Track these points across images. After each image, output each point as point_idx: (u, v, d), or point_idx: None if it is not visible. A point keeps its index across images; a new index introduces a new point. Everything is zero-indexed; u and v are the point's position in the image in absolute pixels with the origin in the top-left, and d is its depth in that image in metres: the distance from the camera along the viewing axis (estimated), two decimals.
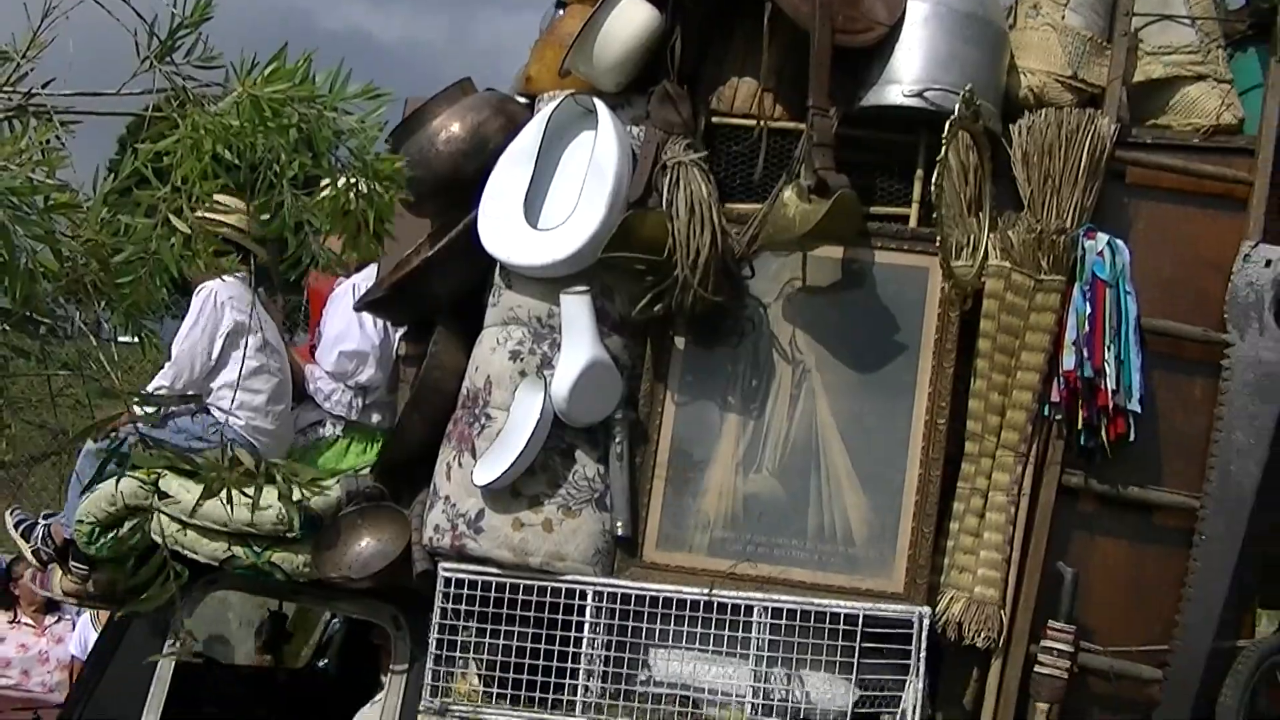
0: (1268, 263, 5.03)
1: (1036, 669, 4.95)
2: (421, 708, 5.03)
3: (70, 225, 2.82)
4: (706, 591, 4.89)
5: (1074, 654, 4.96)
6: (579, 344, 4.93)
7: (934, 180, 4.74)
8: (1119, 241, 5.02)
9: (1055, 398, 4.97)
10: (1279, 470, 5.37)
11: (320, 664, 6.94)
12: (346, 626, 6.97)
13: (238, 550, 5.26)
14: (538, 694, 4.91)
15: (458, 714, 5.00)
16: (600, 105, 5.10)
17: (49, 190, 2.75)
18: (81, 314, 3.13)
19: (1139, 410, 4.92)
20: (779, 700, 4.90)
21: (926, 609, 4.84)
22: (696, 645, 4.92)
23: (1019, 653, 4.98)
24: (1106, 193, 5.20)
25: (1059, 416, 4.99)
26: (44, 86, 2.92)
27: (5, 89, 2.93)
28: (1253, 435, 5.00)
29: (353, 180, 3.01)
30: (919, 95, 5.00)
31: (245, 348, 5.51)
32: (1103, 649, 5.03)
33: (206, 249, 3.00)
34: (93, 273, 2.87)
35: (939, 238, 4.81)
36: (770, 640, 4.89)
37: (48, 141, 2.84)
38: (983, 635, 4.94)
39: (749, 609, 4.87)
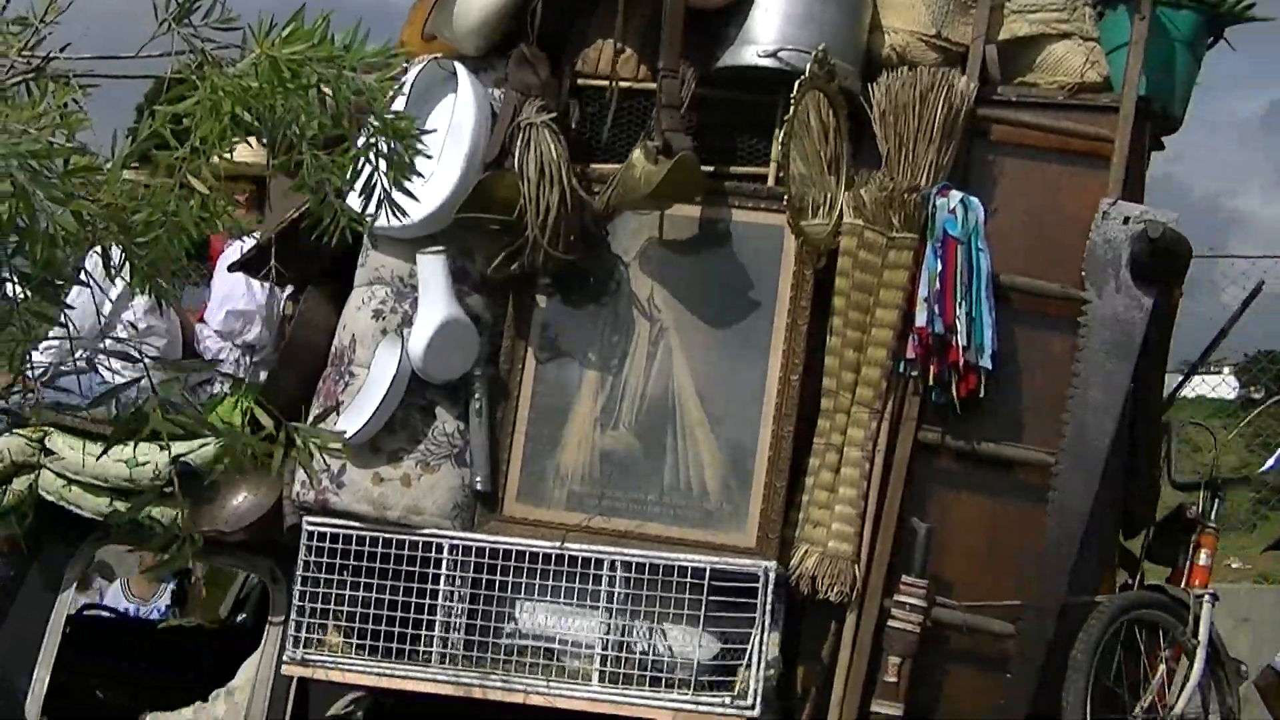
0: (1126, 220, 5.14)
1: (889, 623, 5.09)
2: (285, 658, 5.24)
3: (89, 189, 2.88)
4: (558, 545, 5.06)
5: (927, 608, 5.10)
6: (434, 303, 5.10)
7: (780, 139, 4.89)
8: (973, 199, 5.14)
9: (911, 354, 5.11)
10: (1139, 429, 5.55)
11: (239, 619, 7.15)
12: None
13: (119, 505, 5.47)
14: (395, 645, 5.10)
15: (319, 665, 5.20)
16: (460, 68, 5.25)
17: (67, 153, 2.81)
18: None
19: (990, 367, 5.05)
20: (639, 653, 5.07)
21: (773, 563, 4.98)
22: (560, 599, 5.10)
23: (873, 607, 5.12)
24: (973, 151, 5.32)
25: (914, 373, 5.13)
26: (61, 50, 2.99)
27: (23, 53, 2.99)
28: (1108, 392, 5.12)
29: (372, 140, 3.08)
30: (773, 55, 5.14)
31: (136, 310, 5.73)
32: (959, 604, 5.18)
33: (225, 209, 3.07)
34: (112, 235, 2.94)
35: (786, 196, 4.96)
36: (631, 594, 5.06)
37: (66, 105, 2.90)
38: (836, 589, 5.08)
39: (600, 562, 5.04)
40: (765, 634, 4.94)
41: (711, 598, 4.97)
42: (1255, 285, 6.33)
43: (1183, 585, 5.38)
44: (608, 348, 5.26)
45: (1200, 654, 5.22)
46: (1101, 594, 5.20)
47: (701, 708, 4.91)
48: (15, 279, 2.93)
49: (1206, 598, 5.32)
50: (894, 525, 5.14)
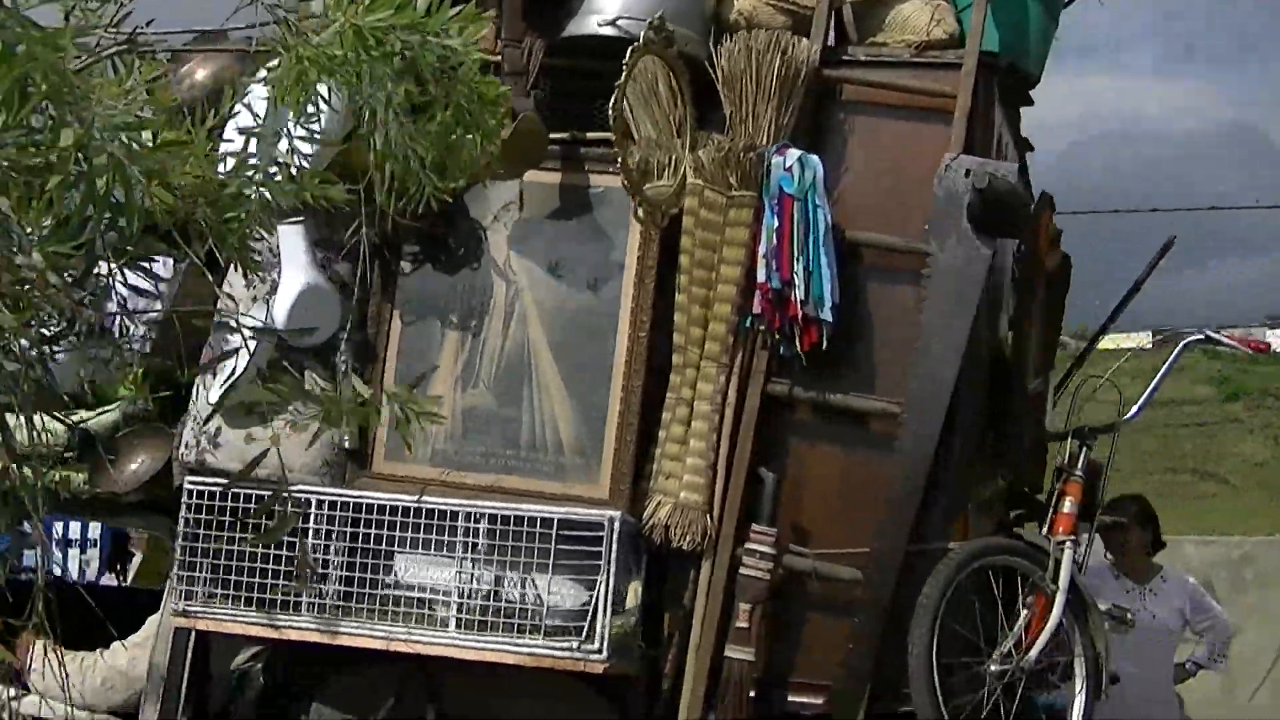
0: (967, 172, 5.36)
1: (741, 571, 5.37)
2: (170, 610, 5.63)
3: (178, 163, 2.88)
4: (416, 499, 5.39)
5: (776, 556, 5.37)
6: (294, 270, 5.46)
7: (612, 104, 5.18)
8: (812, 156, 5.39)
9: (757, 309, 5.38)
10: (1015, 382, 5.77)
11: None
12: None
13: (25, 470, 5.88)
14: (269, 596, 5.46)
15: (201, 617, 5.57)
16: None
17: (157, 127, 2.83)
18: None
19: (830, 319, 5.29)
20: (496, 601, 5.37)
21: (617, 513, 5.26)
22: (422, 551, 5.42)
23: (725, 555, 5.40)
24: (824, 111, 5.58)
25: (761, 328, 5.40)
26: (147, 25, 3.02)
27: (110, 29, 2.99)
28: (948, 343, 5.34)
29: (460, 105, 3.10)
30: (612, 24, 5.45)
31: None
32: (810, 552, 5.44)
33: (313, 181, 3.12)
34: (201, 209, 2.96)
35: (620, 160, 5.26)
36: (487, 544, 5.36)
37: (153, 80, 2.90)
38: (688, 538, 5.36)
39: (455, 514, 5.36)
40: (611, 581, 5.21)
41: (576, 548, 5.27)
42: (1167, 240, 6.52)
43: (1044, 532, 5.60)
44: (467, 310, 5.59)
45: (1059, 600, 5.43)
46: (954, 542, 5.43)
47: (553, 652, 5.21)
48: (109, 255, 2.91)
49: (1067, 544, 5.51)
50: (744, 476, 5.41)
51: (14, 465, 5.76)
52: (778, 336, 5.33)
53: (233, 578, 5.47)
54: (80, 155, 2.65)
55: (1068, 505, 5.62)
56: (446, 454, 5.53)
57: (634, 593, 5.41)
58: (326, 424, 3.39)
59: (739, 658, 5.33)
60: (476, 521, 5.32)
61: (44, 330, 2.93)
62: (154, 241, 2.97)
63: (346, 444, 5.55)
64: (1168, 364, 5.86)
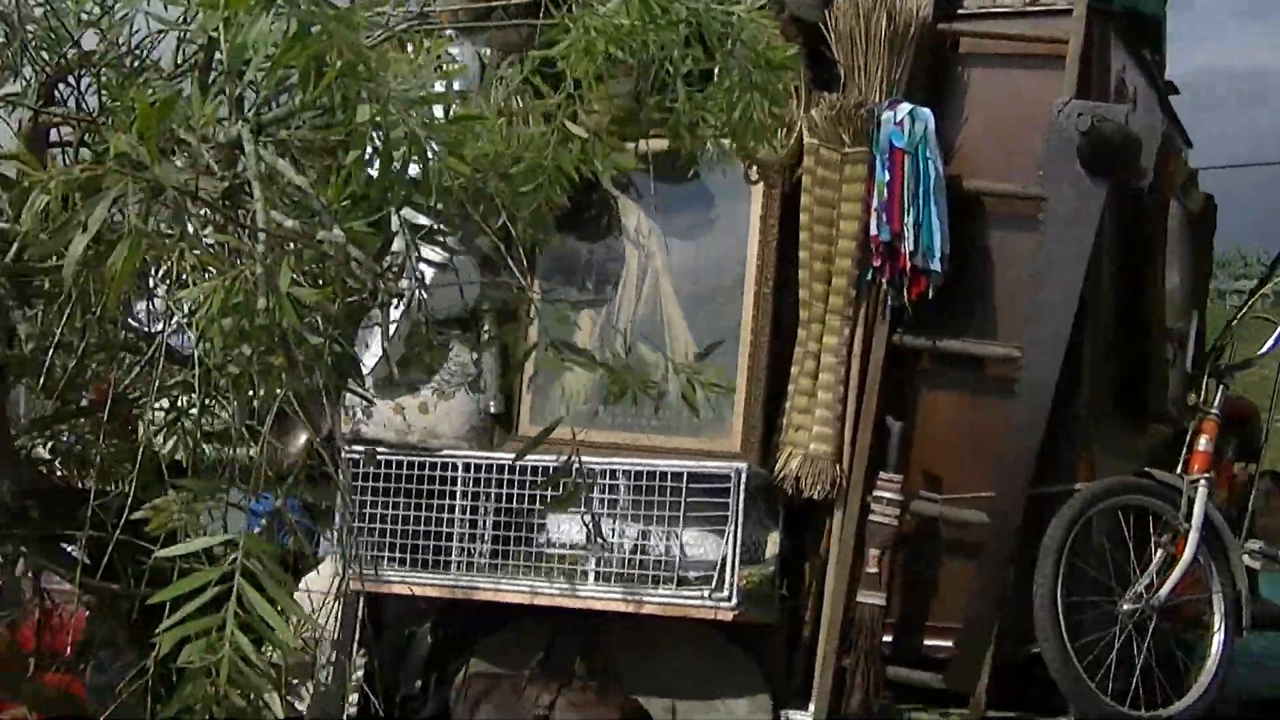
0: (1079, 116, 5.49)
1: (870, 517, 5.59)
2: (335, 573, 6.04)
3: (470, 138, 2.99)
4: (556, 459, 5.71)
5: (904, 502, 5.58)
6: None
7: None
8: (923, 110, 5.57)
9: (876, 262, 5.59)
10: (1147, 322, 5.89)
11: None
12: None
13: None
14: (420, 557, 5.84)
15: (366, 579, 5.97)
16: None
17: (448, 101, 2.93)
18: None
19: (938, 270, 5.48)
20: (644, 555, 5.68)
21: (743, 465, 5.53)
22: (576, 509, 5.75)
23: (855, 503, 5.62)
24: (941, 64, 5.77)
25: (882, 280, 5.60)
26: (434, 1, 3.23)
27: (397, 8, 3.16)
28: (1064, 284, 5.47)
29: (747, 71, 3.15)
30: None
31: None
32: (938, 497, 5.63)
33: (604, 152, 3.26)
34: (494, 184, 3.11)
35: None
36: (637, 500, 5.67)
37: (441, 55, 2.98)
38: (818, 488, 5.61)
39: (592, 473, 5.67)
40: (738, 532, 5.49)
41: (710, 501, 5.55)
42: None
43: (1179, 471, 5.69)
44: (602, 274, 5.92)
45: (1191, 539, 5.53)
46: (1080, 483, 5.57)
47: (684, 602, 5.50)
48: (405, 230, 3.00)
49: (1201, 482, 5.61)
50: (871, 425, 5.63)
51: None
52: (887, 287, 5.54)
53: (396, 540, 5.87)
54: (376, 131, 2.75)
55: (1202, 443, 5.71)
56: (586, 415, 5.85)
57: (772, 543, 5.68)
58: (614, 396, 3.59)
59: (870, 602, 5.55)
60: (613, 479, 5.64)
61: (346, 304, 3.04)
62: (450, 215, 3.09)
63: (493, 409, 5.91)
64: None
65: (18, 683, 5.28)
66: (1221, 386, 5.80)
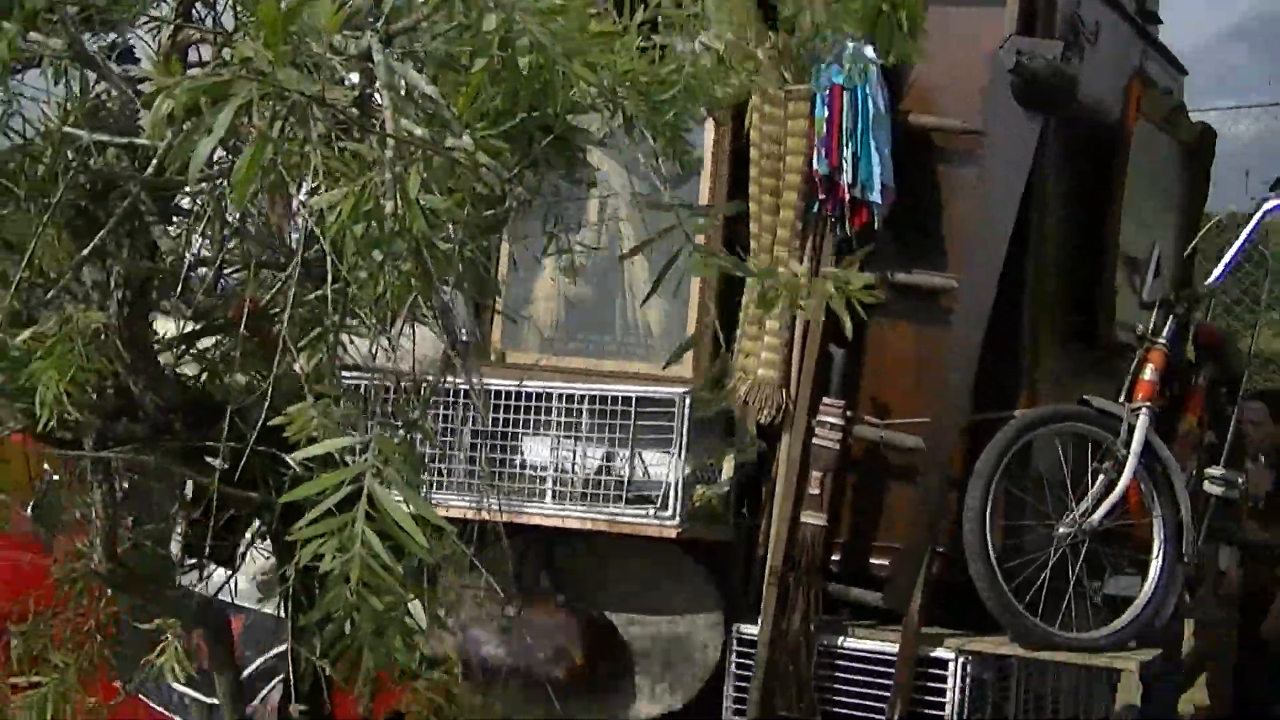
0: (1018, 52, 5.73)
1: (813, 440, 5.92)
2: None
3: (604, 52, 2.97)
4: (518, 384, 6.13)
5: (845, 426, 5.90)
6: None
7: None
8: (865, 47, 5.82)
9: (821, 196, 5.89)
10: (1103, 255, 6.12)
11: None
12: None
13: None
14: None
15: None
16: None
17: (584, 16, 2.92)
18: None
19: (879, 201, 5.76)
20: (599, 475, 6.07)
21: (685, 389, 5.89)
22: (540, 432, 6.16)
23: (800, 427, 5.95)
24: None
25: (826, 213, 5.90)
26: None
27: None
28: (1000, 216, 5.74)
29: None
30: None
31: None
32: (880, 422, 5.94)
33: (741, 66, 3.32)
34: (632, 101, 3.10)
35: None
36: (593, 424, 6.05)
37: None
38: (765, 412, 5.94)
39: (550, 396, 6.07)
40: (682, 453, 5.85)
41: (662, 424, 5.92)
42: None
43: (1122, 400, 5.93)
44: (567, 216, 6.28)
45: (1129, 464, 5.78)
46: (1019, 410, 5.84)
47: (632, 520, 5.88)
48: (537, 142, 3.06)
49: (1143, 410, 5.85)
50: (816, 352, 5.94)
51: None
52: (831, 220, 5.84)
53: None
54: (503, 41, 2.78)
55: (1147, 373, 5.94)
56: (553, 342, 6.25)
57: (728, 465, 6.04)
58: (794, 307, 3.44)
59: (812, 522, 5.88)
60: (572, 402, 6.03)
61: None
62: (580, 128, 3.11)
63: (464, 338, 6.32)
64: (1248, 229, 6.09)
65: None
66: (1170, 316, 6.01)
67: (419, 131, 2.79)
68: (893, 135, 5.81)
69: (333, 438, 3.03)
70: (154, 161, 3.25)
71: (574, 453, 6.05)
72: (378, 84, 2.79)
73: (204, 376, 4.72)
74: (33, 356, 3.63)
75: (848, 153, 5.76)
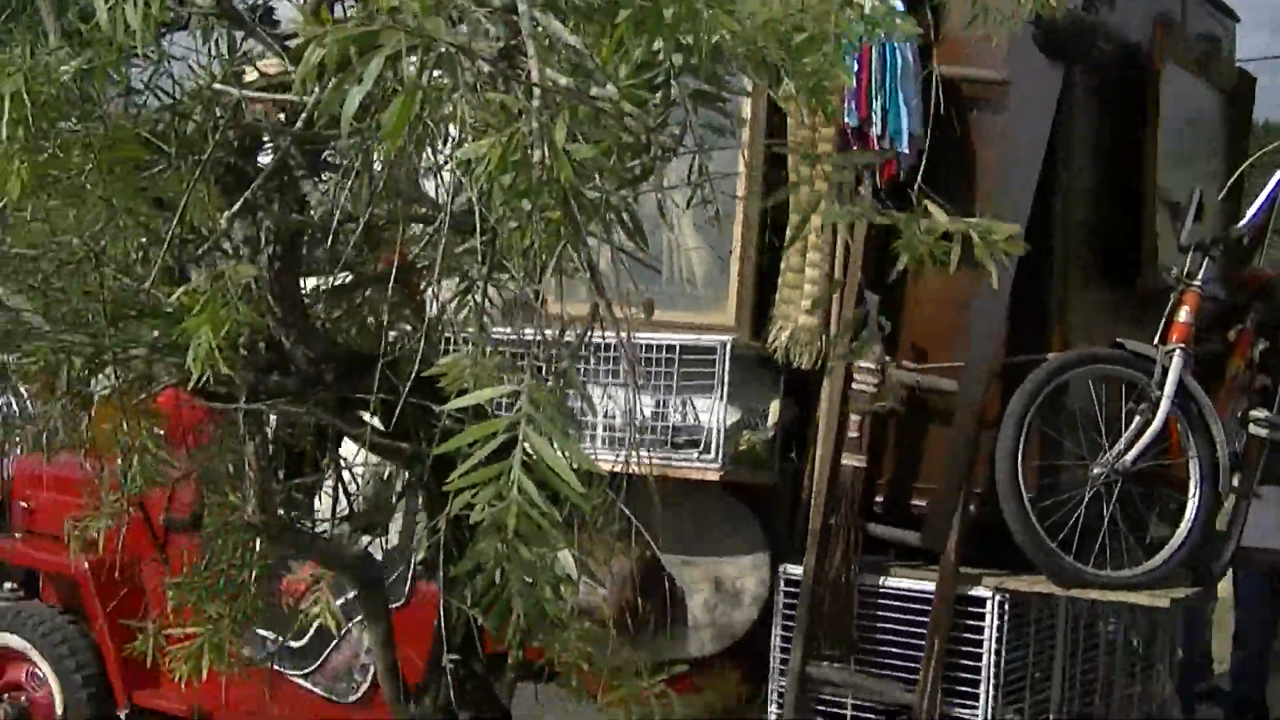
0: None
1: (852, 385, 6.15)
2: None
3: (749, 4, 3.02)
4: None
5: (882, 370, 6.12)
6: None
7: None
8: (896, 3, 6.04)
9: (855, 147, 6.11)
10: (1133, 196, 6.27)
11: None
12: None
13: None
14: None
15: None
16: None
17: None
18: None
19: (906, 152, 5.96)
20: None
21: (728, 338, 6.14)
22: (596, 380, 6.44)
23: (839, 371, 6.17)
24: None
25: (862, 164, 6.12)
26: None
27: None
28: (1025, 162, 5.92)
29: None
30: None
31: None
32: (915, 366, 6.15)
33: (889, 20, 3.32)
34: (773, 52, 3.13)
35: None
36: (658, 372, 6.33)
37: None
38: (805, 357, 6.19)
39: (598, 346, 6.34)
40: (723, 398, 6.12)
41: (708, 371, 6.20)
42: None
43: (1156, 342, 6.08)
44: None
45: (1163, 405, 5.94)
46: (1052, 353, 6.02)
47: (676, 463, 6.17)
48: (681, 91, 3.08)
49: (1177, 352, 6.00)
50: (854, 299, 6.17)
51: None
52: (862, 170, 6.05)
53: None
54: None
55: (1183, 315, 6.08)
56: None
57: (774, 410, 6.30)
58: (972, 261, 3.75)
59: (851, 464, 6.13)
60: (616, 350, 6.30)
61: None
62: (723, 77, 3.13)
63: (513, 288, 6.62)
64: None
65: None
66: (1206, 259, 6.15)
67: (563, 81, 2.84)
68: (921, 86, 6.02)
69: (485, 388, 3.06)
70: (302, 116, 3.45)
71: (626, 400, 6.32)
72: (522, 34, 2.84)
73: (353, 330, 5.00)
74: (186, 313, 3.69)
75: (877, 105, 5.97)
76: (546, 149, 2.72)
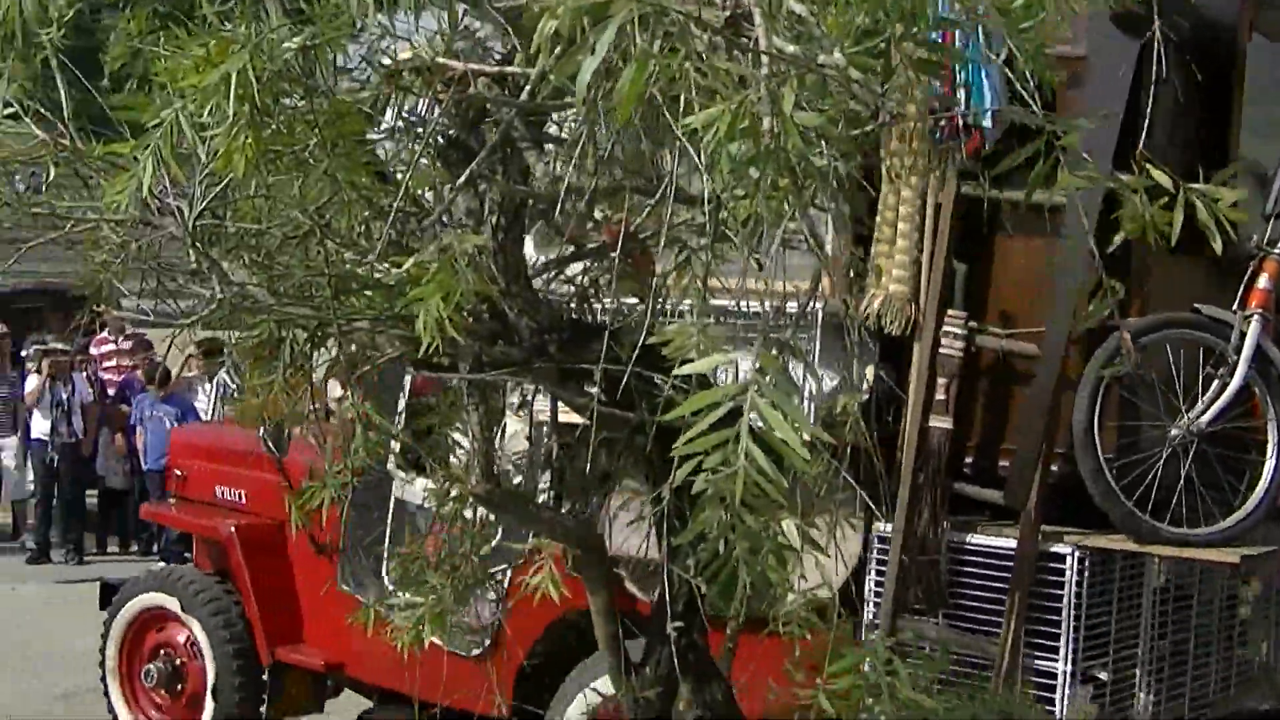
0: None
1: (940, 350, 6.50)
2: None
3: None
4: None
5: (968, 336, 6.47)
6: None
7: None
8: None
9: (941, 123, 6.45)
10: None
11: None
12: None
13: None
14: None
15: None
16: None
17: None
18: None
19: (989, 127, 6.28)
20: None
21: (822, 303, 6.52)
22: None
23: (928, 337, 6.53)
24: None
25: (944, 138, 6.45)
26: None
27: None
28: (1103, 136, 6.21)
29: None
30: None
31: None
32: (1001, 331, 6.49)
33: None
34: (994, 18, 3.23)
35: None
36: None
37: None
38: (895, 324, 6.55)
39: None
40: (814, 362, 6.50)
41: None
42: None
43: (1235, 308, 6.35)
44: None
45: (1240, 368, 6.22)
46: (1130, 318, 6.32)
47: None
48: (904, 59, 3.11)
49: (1255, 317, 6.27)
50: (942, 267, 6.52)
51: None
52: (948, 145, 6.39)
53: None
54: None
55: (1262, 281, 6.34)
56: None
57: (869, 375, 6.68)
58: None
59: (939, 426, 6.49)
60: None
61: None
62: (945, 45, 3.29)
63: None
64: None
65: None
66: None
67: (791, 49, 2.88)
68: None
69: (711, 356, 3.13)
70: (526, 88, 3.65)
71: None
72: (749, 2, 2.91)
73: (572, 301, 5.01)
74: (411, 284, 3.77)
75: (959, 80, 6.30)
76: (774, 117, 2.75)
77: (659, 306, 4.67)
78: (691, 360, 3.25)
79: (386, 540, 8.22)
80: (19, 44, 4.44)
